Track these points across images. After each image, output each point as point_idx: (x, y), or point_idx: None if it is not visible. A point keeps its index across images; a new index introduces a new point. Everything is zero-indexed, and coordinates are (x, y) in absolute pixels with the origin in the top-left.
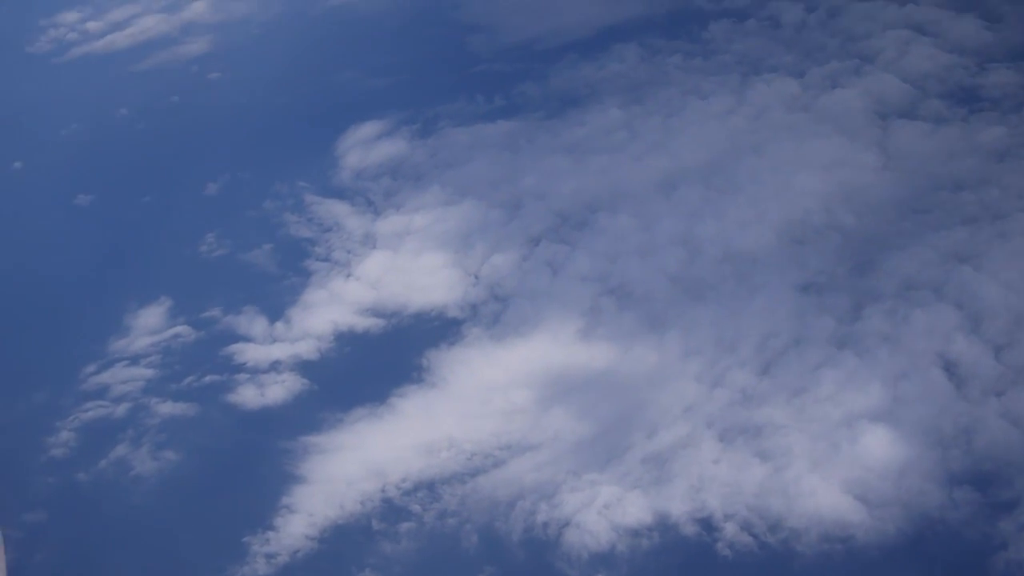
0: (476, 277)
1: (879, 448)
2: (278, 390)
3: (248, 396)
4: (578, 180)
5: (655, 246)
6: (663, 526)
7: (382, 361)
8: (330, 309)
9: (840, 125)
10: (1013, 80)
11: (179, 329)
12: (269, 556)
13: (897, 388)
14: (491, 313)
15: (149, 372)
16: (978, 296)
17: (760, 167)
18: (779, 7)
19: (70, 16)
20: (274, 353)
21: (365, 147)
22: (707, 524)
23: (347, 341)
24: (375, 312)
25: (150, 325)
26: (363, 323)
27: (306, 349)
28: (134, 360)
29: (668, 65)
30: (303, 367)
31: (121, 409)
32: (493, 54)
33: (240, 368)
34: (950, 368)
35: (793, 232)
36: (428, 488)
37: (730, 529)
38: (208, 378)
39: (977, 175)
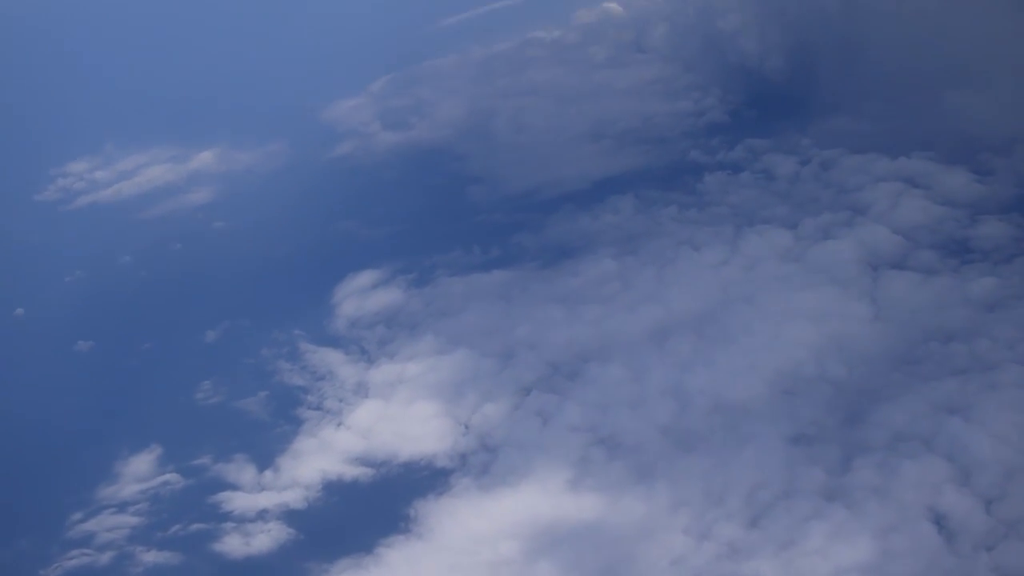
0: (466, 426)
1: None
2: (264, 539)
3: (234, 545)
4: (570, 330)
5: (646, 396)
6: None
7: (370, 511)
8: (320, 458)
9: (832, 276)
10: (1004, 232)
11: (168, 477)
12: None
13: (886, 541)
14: (480, 463)
15: (135, 520)
16: (968, 448)
17: (752, 317)
18: (773, 160)
19: (79, 165)
20: (261, 502)
21: (361, 296)
22: None
23: (335, 490)
24: (364, 461)
25: (140, 472)
26: (352, 472)
27: (294, 498)
28: (121, 507)
29: (663, 216)
30: (290, 516)
31: (105, 558)
32: (492, 205)
33: (227, 517)
34: (940, 521)
35: (784, 383)
36: None
37: None
38: (194, 526)
39: (968, 326)
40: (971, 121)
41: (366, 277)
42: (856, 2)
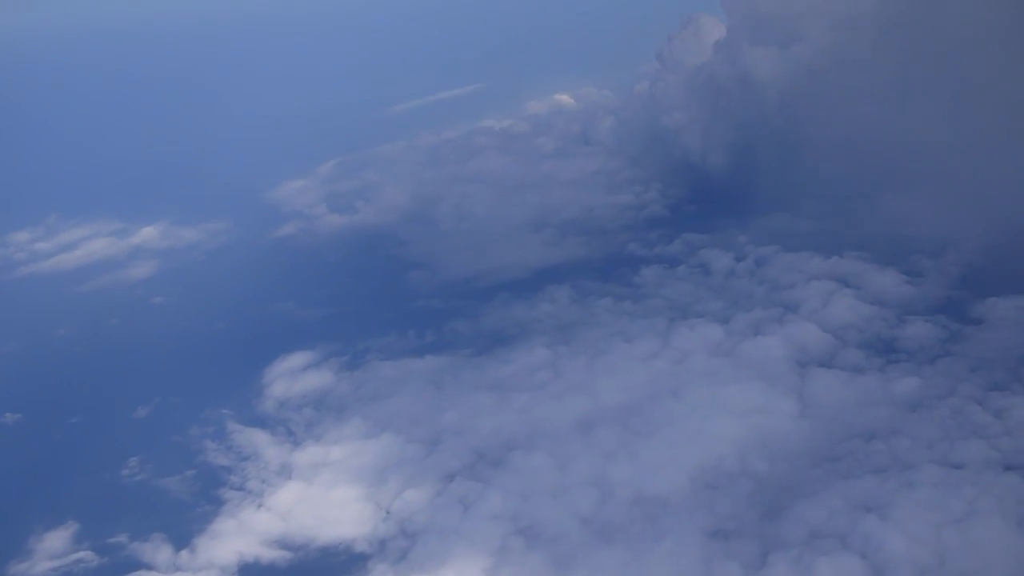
0: (388, 512)
1: None
2: None
3: None
4: (498, 418)
5: (568, 486)
6: None
7: None
8: (238, 539)
9: (760, 372)
10: (930, 333)
11: (83, 554)
12: None
13: None
14: (399, 549)
15: None
16: (883, 546)
17: (678, 411)
18: (710, 255)
19: (21, 236)
20: None
21: (292, 377)
22: None
23: (251, 573)
24: (283, 544)
25: (54, 549)
26: (269, 555)
27: None
28: None
29: (598, 307)
30: None
31: None
32: (431, 290)
33: None
34: None
35: (706, 477)
36: None
37: None
38: None
39: (889, 425)
40: (904, 223)
41: (299, 358)
42: (796, 104)
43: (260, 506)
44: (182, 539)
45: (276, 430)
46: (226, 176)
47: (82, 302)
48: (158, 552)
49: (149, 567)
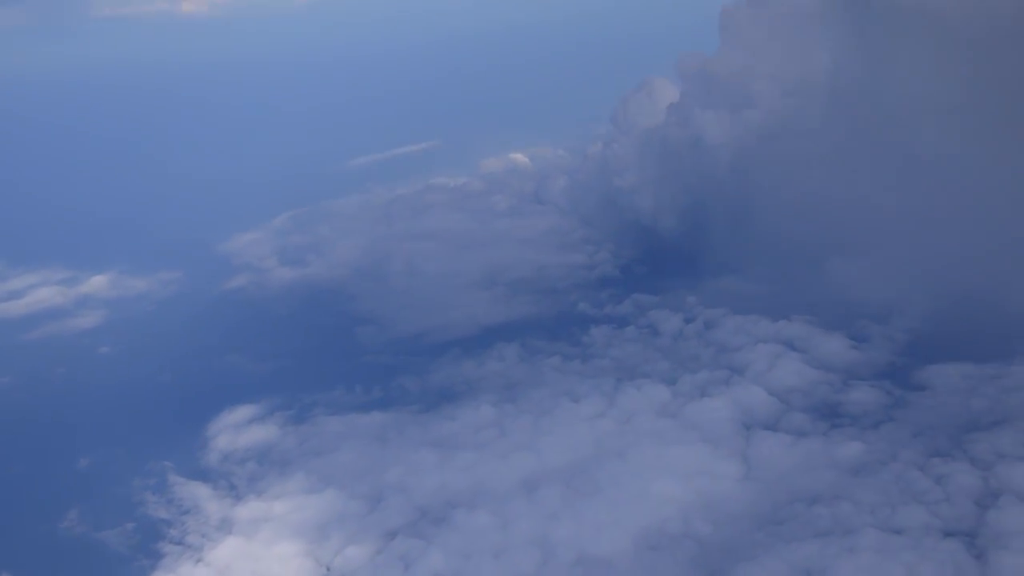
0: (328, 569)
1: None
2: None
3: None
4: (442, 475)
5: (510, 546)
6: None
7: None
8: None
9: (705, 434)
10: (874, 398)
11: None
12: None
13: None
14: None
15: None
16: None
17: (622, 472)
18: (659, 316)
19: None
20: None
21: (236, 430)
22: None
23: None
24: None
25: None
26: None
27: None
28: None
29: (546, 366)
30: None
31: None
32: (379, 346)
33: None
34: None
35: (649, 539)
36: None
37: None
38: None
39: (832, 489)
40: (852, 288)
41: (244, 411)
42: (747, 168)
43: (199, 561)
44: None
45: (218, 484)
46: (180, 227)
47: (27, 350)
48: None
49: None
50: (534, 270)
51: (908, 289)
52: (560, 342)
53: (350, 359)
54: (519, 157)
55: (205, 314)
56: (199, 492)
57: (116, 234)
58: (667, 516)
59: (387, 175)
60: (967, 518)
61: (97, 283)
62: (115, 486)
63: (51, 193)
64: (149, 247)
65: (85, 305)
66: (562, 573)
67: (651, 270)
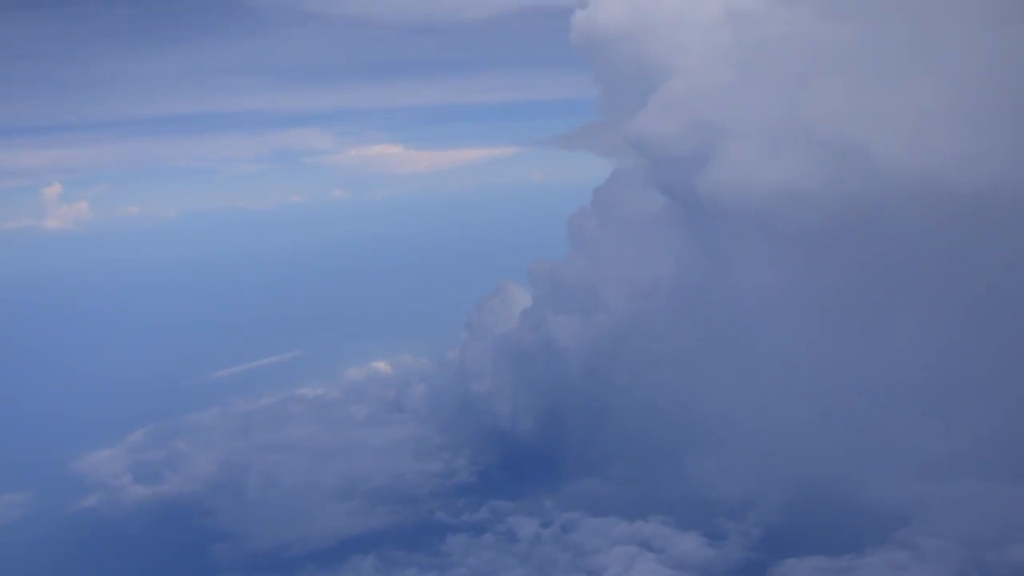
0: None
1: None
2: None
3: None
4: None
5: None
6: None
7: None
8: None
9: None
10: None
11: None
12: None
13: None
14: None
15: None
16: None
17: None
18: (516, 521)
19: None
20: None
21: None
22: None
23: None
24: None
25: None
26: None
27: None
28: None
29: None
30: None
31: None
32: (235, 562)
33: None
34: None
35: None
36: None
37: None
38: None
39: None
40: (707, 485)
41: None
42: (600, 370)
43: None
44: None
45: None
46: (29, 445)
47: None
48: None
49: None
50: (391, 479)
51: (762, 483)
52: (418, 552)
53: None
54: (382, 365)
55: (54, 537)
56: None
57: None
58: None
59: (249, 387)
60: None
61: None
62: None
63: None
64: None
65: None
66: None
67: (509, 475)
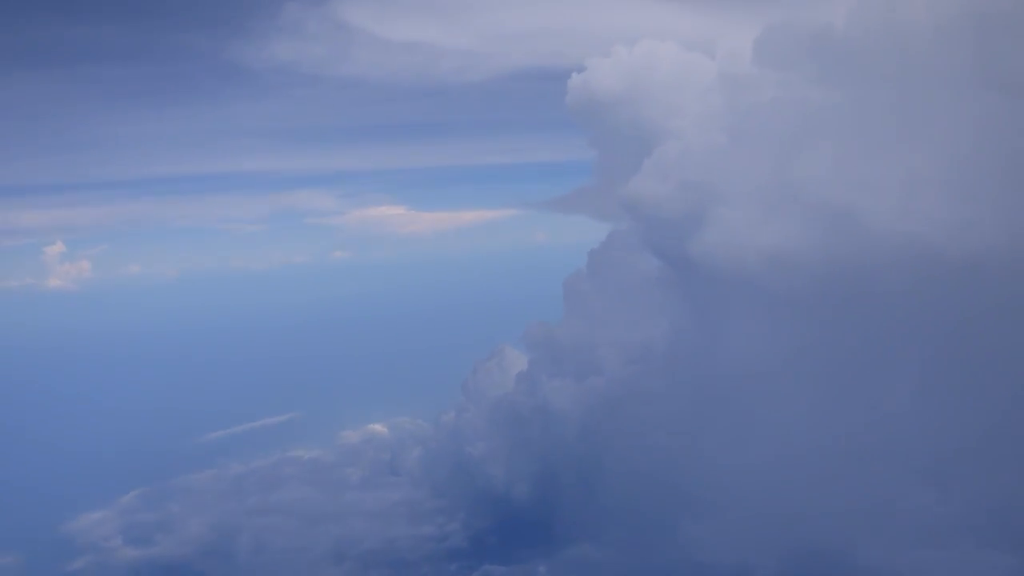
0: None
1: None
2: None
3: None
4: None
5: None
6: None
7: None
8: None
9: None
10: None
11: None
12: None
13: None
14: None
15: None
16: None
17: None
18: None
19: None
20: None
21: None
22: None
23: None
24: None
25: None
26: None
27: None
28: None
29: None
30: None
31: None
32: None
33: None
34: None
35: None
36: None
37: None
38: None
39: None
40: (702, 550)
41: None
42: (595, 434)
43: None
44: None
45: None
46: (21, 506)
47: None
48: None
49: None
50: (384, 543)
51: (757, 549)
52: None
53: None
54: (378, 427)
55: None
56: None
57: None
58: None
59: (244, 448)
60: None
61: None
62: None
63: None
64: None
65: None
66: None
67: (502, 539)
